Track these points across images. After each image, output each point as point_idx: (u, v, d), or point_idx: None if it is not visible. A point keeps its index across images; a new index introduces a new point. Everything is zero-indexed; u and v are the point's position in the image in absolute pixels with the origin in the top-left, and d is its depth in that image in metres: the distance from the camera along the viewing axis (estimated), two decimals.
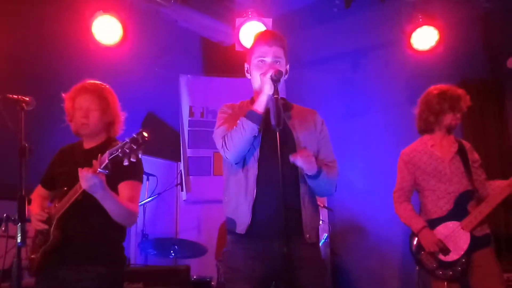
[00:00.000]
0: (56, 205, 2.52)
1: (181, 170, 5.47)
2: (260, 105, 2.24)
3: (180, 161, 5.54)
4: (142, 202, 4.93)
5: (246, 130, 2.22)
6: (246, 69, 2.51)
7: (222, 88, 5.71)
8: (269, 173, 2.22)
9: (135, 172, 2.60)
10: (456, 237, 3.08)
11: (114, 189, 2.51)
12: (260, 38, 2.44)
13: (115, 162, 2.22)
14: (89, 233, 2.51)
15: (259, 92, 2.31)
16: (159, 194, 4.98)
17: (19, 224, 2.18)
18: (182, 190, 5.42)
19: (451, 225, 3.11)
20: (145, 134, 2.14)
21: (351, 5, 5.30)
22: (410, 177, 3.32)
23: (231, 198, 2.35)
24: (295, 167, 2.26)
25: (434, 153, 3.27)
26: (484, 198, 3.16)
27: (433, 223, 3.17)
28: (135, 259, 4.95)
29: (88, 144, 2.72)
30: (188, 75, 5.76)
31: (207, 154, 5.56)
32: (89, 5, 4.33)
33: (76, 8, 4.40)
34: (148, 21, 5.25)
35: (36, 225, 2.52)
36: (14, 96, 2.38)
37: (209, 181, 5.49)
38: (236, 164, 2.33)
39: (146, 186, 5.14)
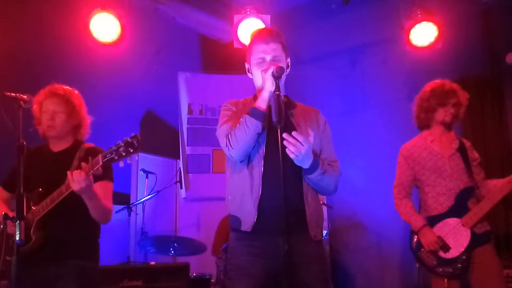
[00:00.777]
0: (33, 207, 2.58)
1: (180, 168, 5.46)
2: (262, 102, 2.25)
3: (179, 158, 5.54)
4: (141, 200, 4.94)
5: (250, 127, 2.22)
6: (247, 68, 2.50)
7: (221, 85, 5.70)
8: (274, 171, 2.20)
9: (107, 173, 2.67)
10: (456, 234, 3.08)
11: None
12: (258, 37, 2.44)
13: (105, 164, 2.36)
14: (70, 232, 2.62)
15: (261, 90, 2.31)
16: (158, 191, 4.98)
17: (18, 221, 2.19)
18: (181, 187, 5.42)
19: (452, 221, 3.11)
20: (139, 138, 2.26)
21: (350, 1, 5.29)
22: (410, 172, 3.32)
23: (236, 196, 2.34)
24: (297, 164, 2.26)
25: (434, 148, 3.27)
26: (482, 196, 3.16)
27: (433, 220, 3.17)
28: (135, 257, 4.94)
29: (56, 147, 2.80)
30: (187, 73, 5.74)
31: (206, 151, 5.55)
32: (87, 3, 4.32)
33: (74, 6, 4.39)
34: (146, 19, 5.24)
35: (12, 229, 2.55)
36: (12, 94, 2.38)
37: (208, 178, 5.49)
38: (240, 162, 2.33)
39: (145, 183, 5.15)
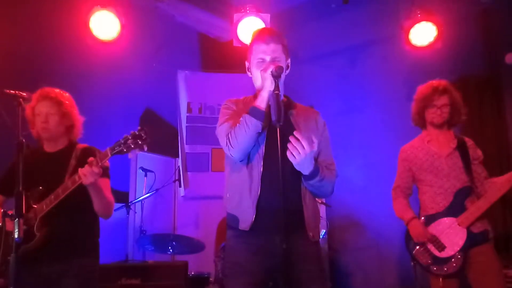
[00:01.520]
0: (35, 205, 2.63)
1: (179, 166, 5.46)
2: (262, 101, 2.25)
3: (178, 157, 5.54)
4: (140, 198, 4.94)
5: (250, 127, 2.22)
6: (247, 67, 2.51)
7: (220, 84, 5.70)
8: (274, 170, 2.20)
9: (105, 170, 2.75)
10: (452, 233, 3.08)
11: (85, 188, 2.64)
12: (258, 37, 2.44)
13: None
14: (73, 229, 2.70)
15: (261, 89, 2.31)
16: (157, 190, 4.98)
17: (16, 219, 2.19)
18: (180, 186, 5.42)
19: (447, 221, 3.11)
20: (147, 130, 2.35)
21: (349, 0, 5.29)
22: (407, 174, 3.34)
23: (234, 195, 2.35)
24: None
25: (431, 148, 3.27)
26: (481, 195, 3.15)
27: (429, 219, 3.18)
28: (133, 255, 4.94)
29: (50, 148, 2.88)
30: (186, 71, 5.74)
31: (205, 150, 5.55)
32: (87, 1, 4.33)
33: (73, 4, 4.39)
34: (145, 17, 5.24)
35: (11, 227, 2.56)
36: (11, 91, 2.39)
37: (207, 177, 5.49)
38: (240, 161, 2.33)
39: (144, 182, 5.14)
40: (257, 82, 2.41)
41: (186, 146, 5.53)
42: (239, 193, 2.32)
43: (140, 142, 2.36)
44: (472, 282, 3.03)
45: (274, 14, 4.88)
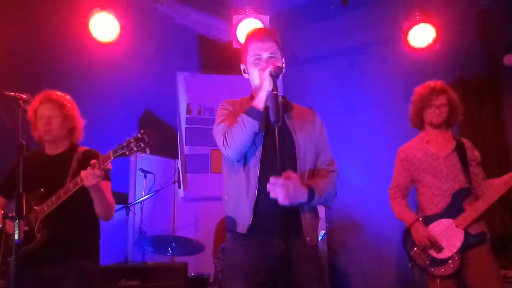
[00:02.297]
0: (36, 207, 2.65)
1: (178, 168, 5.46)
2: (260, 101, 2.23)
3: (177, 158, 5.54)
4: (139, 200, 4.94)
5: (247, 126, 2.20)
6: (243, 69, 2.48)
7: (220, 85, 5.70)
8: (269, 173, 2.19)
9: (106, 173, 2.77)
10: (449, 235, 3.09)
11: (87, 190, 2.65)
12: (253, 36, 2.42)
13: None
14: (74, 231, 2.71)
15: (258, 89, 2.29)
16: (156, 191, 4.98)
17: (17, 221, 2.20)
18: (179, 187, 5.42)
19: (445, 222, 3.11)
20: (149, 133, 2.38)
21: (348, 2, 5.30)
22: (405, 174, 3.34)
23: (232, 197, 2.34)
24: (293, 167, 2.26)
25: (429, 149, 3.28)
26: (479, 196, 3.16)
27: (427, 220, 3.18)
28: (133, 256, 4.94)
29: (52, 151, 2.89)
30: (186, 73, 5.74)
31: (205, 151, 5.55)
32: (87, 2, 4.34)
33: (73, 5, 4.40)
34: (145, 18, 5.25)
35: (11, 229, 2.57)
36: (11, 93, 2.40)
37: (207, 178, 5.49)
38: (237, 161, 2.32)
39: (144, 183, 5.15)
40: (255, 82, 2.38)
41: (185, 148, 5.53)
42: (236, 196, 2.31)
43: (142, 145, 2.39)
44: (469, 284, 3.03)
45: (274, 15, 4.90)
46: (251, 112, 2.23)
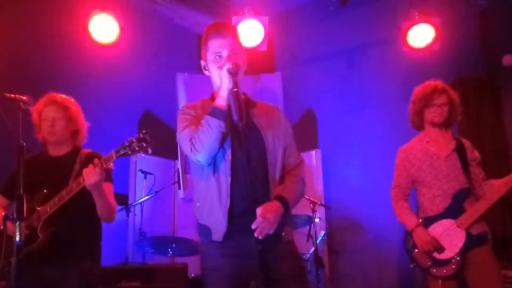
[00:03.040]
0: (38, 208, 2.66)
1: (178, 169, 5.47)
2: (221, 100, 2.18)
3: (177, 159, 5.54)
4: (139, 201, 4.94)
5: (213, 128, 2.14)
6: (203, 66, 2.41)
7: None
8: (242, 174, 2.18)
9: (108, 175, 2.79)
10: (451, 235, 3.08)
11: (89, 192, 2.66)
12: (213, 31, 2.33)
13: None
14: (77, 232, 2.72)
15: (219, 88, 2.24)
16: (156, 192, 4.98)
17: (18, 222, 2.20)
18: (179, 188, 5.42)
19: (447, 222, 3.11)
20: (151, 133, 2.39)
21: (347, 3, 5.31)
22: (406, 174, 3.33)
23: (204, 204, 2.29)
24: (264, 164, 2.25)
25: (430, 149, 3.28)
26: (480, 197, 3.16)
27: (428, 221, 3.18)
28: (133, 257, 4.94)
29: (55, 153, 2.91)
30: (185, 74, 5.75)
31: None
32: (86, 4, 4.35)
33: (73, 7, 4.41)
34: (144, 20, 5.26)
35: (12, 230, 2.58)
36: (11, 95, 2.40)
37: None
38: (208, 166, 2.24)
39: (144, 184, 5.15)
40: (215, 80, 2.33)
41: None
42: (209, 203, 2.25)
43: (145, 145, 2.39)
44: (470, 284, 3.03)
45: (272, 16, 4.90)
46: (215, 112, 2.16)
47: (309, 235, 4.73)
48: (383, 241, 5.25)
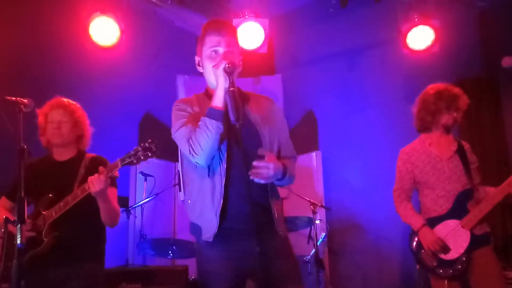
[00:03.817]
0: (44, 212, 2.70)
1: (178, 171, 5.46)
2: (218, 101, 2.13)
3: (177, 161, 5.54)
4: (140, 203, 4.94)
5: (211, 129, 2.10)
6: (197, 62, 2.38)
7: None
8: (237, 173, 2.17)
9: (113, 180, 2.82)
10: (456, 236, 3.09)
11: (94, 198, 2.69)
12: (211, 27, 2.29)
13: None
14: (81, 235, 2.75)
15: (213, 85, 2.21)
16: (157, 194, 4.98)
17: (19, 225, 2.20)
18: (180, 190, 5.42)
19: (451, 223, 3.11)
20: (156, 143, 2.48)
21: (347, 5, 5.32)
22: (409, 176, 3.32)
23: (196, 203, 2.25)
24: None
25: (432, 151, 3.28)
26: (479, 199, 3.16)
27: (432, 222, 3.17)
28: (133, 260, 4.95)
29: (60, 157, 2.93)
30: (185, 76, 5.76)
31: None
32: (87, 7, 4.35)
33: (73, 10, 4.41)
34: (145, 22, 5.26)
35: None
36: (12, 98, 2.40)
37: None
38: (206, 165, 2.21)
39: (144, 186, 5.15)
40: (209, 78, 2.29)
41: None
42: (200, 202, 2.22)
43: (150, 154, 2.46)
44: (473, 284, 3.04)
45: (273, 18, 4.91)
46: (212, 113, 2.12)
47: (309, 236, 4.74)
48: (383, 242, 5.25)
